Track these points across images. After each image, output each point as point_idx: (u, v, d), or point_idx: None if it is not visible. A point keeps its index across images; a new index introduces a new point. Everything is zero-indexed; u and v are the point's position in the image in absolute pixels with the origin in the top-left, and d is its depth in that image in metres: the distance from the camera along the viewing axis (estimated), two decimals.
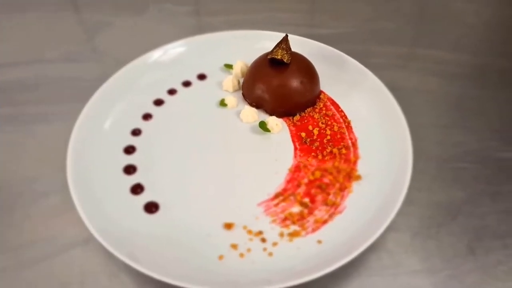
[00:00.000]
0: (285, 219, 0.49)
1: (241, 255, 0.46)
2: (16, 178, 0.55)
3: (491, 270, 0.46)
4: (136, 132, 0.58)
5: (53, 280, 0.45)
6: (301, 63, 0.60)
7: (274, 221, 0.49)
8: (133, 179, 0.52)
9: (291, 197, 0.51)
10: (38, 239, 0.49)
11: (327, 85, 0.63)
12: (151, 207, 0.50)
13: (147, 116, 0.60)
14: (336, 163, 0.54)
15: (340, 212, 0.49)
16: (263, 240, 0.47)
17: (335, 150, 0.55)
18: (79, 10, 0.84)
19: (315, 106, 0.61)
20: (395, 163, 0.52)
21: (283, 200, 0.50)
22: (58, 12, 0.83)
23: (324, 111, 0.60)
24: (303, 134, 0.57)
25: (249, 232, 0.48)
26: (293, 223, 0.48)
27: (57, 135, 0.57)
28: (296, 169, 0.54)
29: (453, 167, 0.56)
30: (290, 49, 0.59)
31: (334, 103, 0.61)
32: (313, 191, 0.51)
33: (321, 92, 0.63)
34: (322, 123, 0.59)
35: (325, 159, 0.54)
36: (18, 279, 0.45)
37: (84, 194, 0.48)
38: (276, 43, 0.59)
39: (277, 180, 0.52)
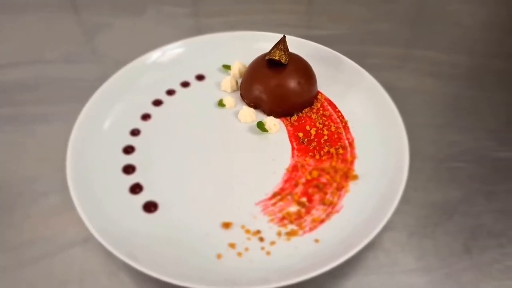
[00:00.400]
0: (282, 218, 0.49)
1: (239, 254, 0.46)
2: (16, 178, 0.55)
3: (487, 269, 0.47)
4: (135, 132, 0.58)
5: (53, 279, 0.46)
6: (299, 63, 0.61)
7: (271, 220, 0.49)
8: (132, 179, 0.53)
9: (289, 197, 0.51)
10: (38, 238, 0.49)
11: (324, 85, 0.63)
12: (150, 207, 0.50)
13: (146, 117, 0.60)
14: (333, 163, 0.54)
15: (337, 211, 0.49)
16: (261, 239, 0.47)
17: (332, 150, 0.55)
18: (79, 12, 0.84)
19: (313, 107, 0.61)
20: (391, 162, 0.52)
21: (281, 200, 0.51)
22: (58, 13, 0.83)
23: (321, 112, 0.60)
24: (301, 134, 0.58)
25: (247, 231, 0.48)
26: (291, 222, 0.49)
27: (57, 135, 0.57)
28: (294, 168, 0.54)
29: (449, 166, 0.56)
30: (287, 50, 0.59)
31: (331, 103, 0.62)
32: (310, 190, 0.52)
33: (318, 92, 0.63)
34: (319, 123, 0.59)
35: (322, 159, 0.55)
36: (18, 278, 0.46)
37: (84, 193, 0.49)
38: (273, 44, 0.60)
39: (275, 179, 0.53)
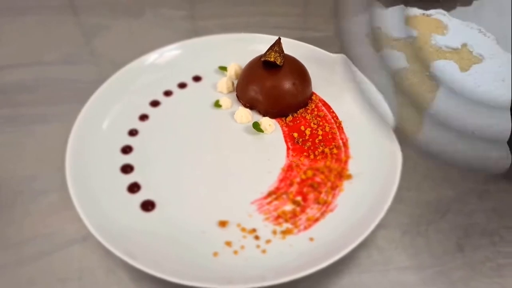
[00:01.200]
0: (278, 217, 0.49)
1: (235, 252, 0.46)
2: (16, 177, 0.55)
3: (479, 267, 0.47)
4: (133, 133, 0.59)
5: (52, 276, 0.46)
6: (294, 65, 0.61)
7: (267, 219, 0.49)
8: (130, 178, 0.53)
9: (284, 196, 0.51)
10: (37, 236, 0.49)
11: (319, 86, 0.63)
12: (147, 205, 0.50)
13: (143, 117, 0.61)
14: (328, 163, 0.55)
15: (332, 210, 0.50)
16: (257, 237, 0.47)
17: (326, 150, 0.56)
18: (78, 14, 0.84)
19: (307, 107, 0.61)
20: (385, 162, 0.52)
21: (276, 199, 0.51)
22: (57, 15, 0.83)
23: (316, 112, 0.61)
24: (296, 135, 0.58)
25: (243, 229, 0.48)
26: (286, 221, 0.49)
27: (55, 135, 0.57)
28: (289, 168, 0.54)
29: (442, 166, 0.56)
30: (283, 51, 0.60)
31: (325, 104, 0.62)
32: (305, 189, 0.52)
33: (313, 93, 0.63)
34: (314, 123, 0.59)
35: (317, 159, 0.55)
36: (18, 275, 0.46)
37: (82, 192, 0.49)
38: (269, 46, 0.60)
39: (270, 179, 0.53)
